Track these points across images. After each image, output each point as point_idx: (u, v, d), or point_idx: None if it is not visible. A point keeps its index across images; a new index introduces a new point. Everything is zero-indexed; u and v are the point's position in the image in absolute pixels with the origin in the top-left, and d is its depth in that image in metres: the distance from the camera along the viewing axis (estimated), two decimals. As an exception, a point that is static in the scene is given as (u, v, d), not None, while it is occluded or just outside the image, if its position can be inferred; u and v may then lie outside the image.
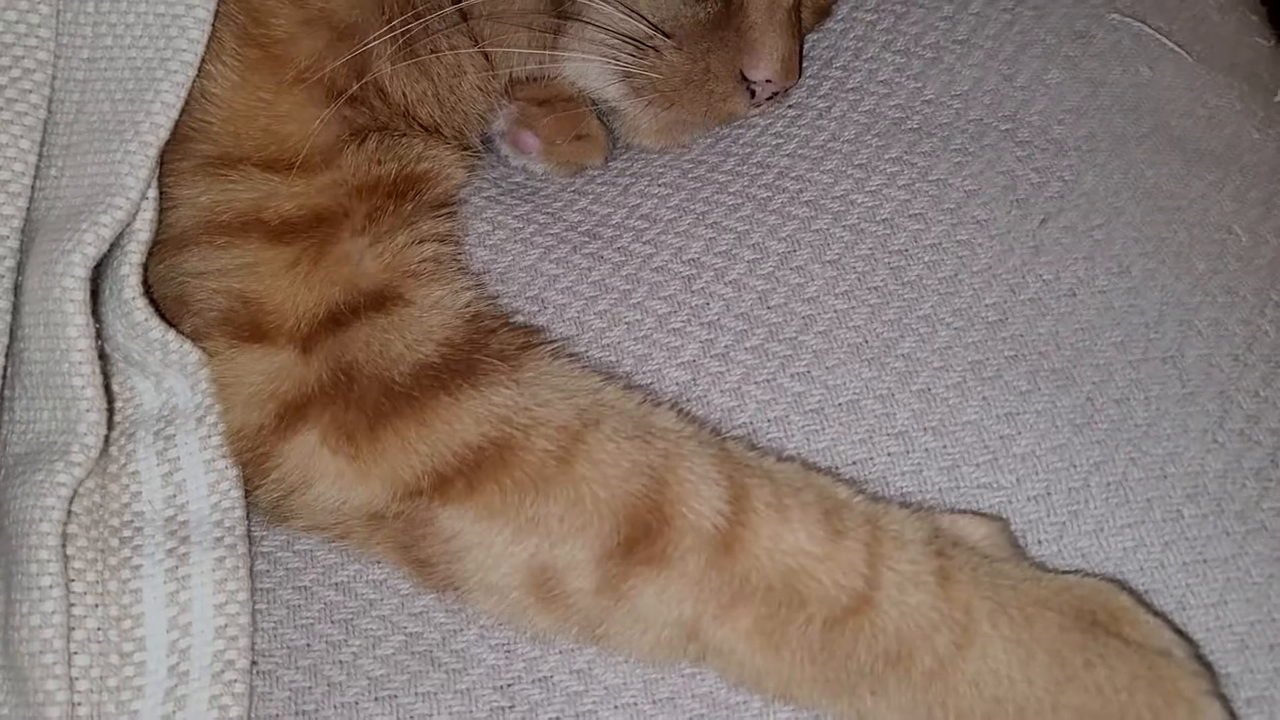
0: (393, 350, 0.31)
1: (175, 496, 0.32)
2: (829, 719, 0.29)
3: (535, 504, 0.29)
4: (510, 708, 0.30)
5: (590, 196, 0.39)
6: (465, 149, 0.37)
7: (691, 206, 0.38)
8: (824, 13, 0.41)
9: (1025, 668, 0.27)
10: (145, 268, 0.33)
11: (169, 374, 0.33)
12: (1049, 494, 0.32)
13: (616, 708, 0.30)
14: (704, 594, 0.29)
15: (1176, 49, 0.39)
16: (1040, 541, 0.31)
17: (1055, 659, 0.27)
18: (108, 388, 0.33)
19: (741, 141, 0.39)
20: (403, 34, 0.34)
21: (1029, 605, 0.27)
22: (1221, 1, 0.43)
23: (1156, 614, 0.28)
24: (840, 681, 0.28)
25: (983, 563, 0.28)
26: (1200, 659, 0.28)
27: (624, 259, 0.37)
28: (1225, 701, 0.27)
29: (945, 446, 0.33)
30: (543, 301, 0.37)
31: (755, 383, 0.34)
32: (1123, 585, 0.29)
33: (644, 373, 0.35)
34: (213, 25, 0.33)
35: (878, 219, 0.37)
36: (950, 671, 0.27)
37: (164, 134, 0.33)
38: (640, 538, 0.29)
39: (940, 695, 0.27)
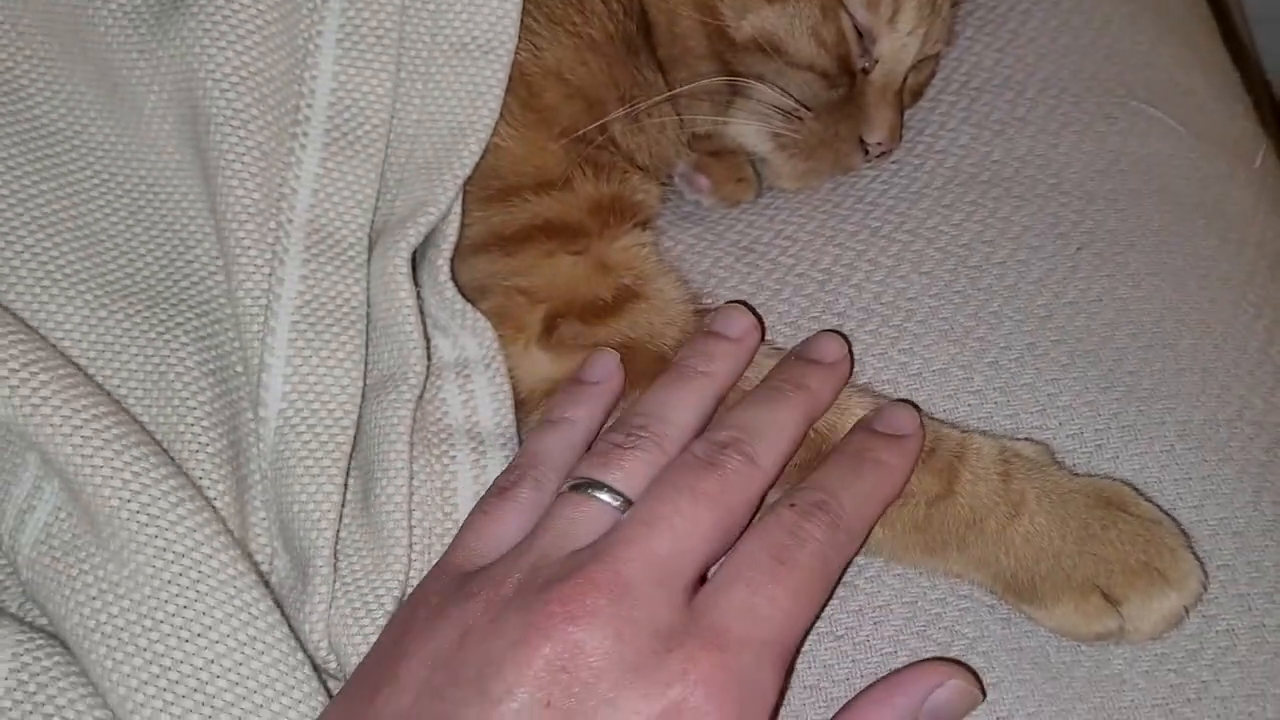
0: (655, 329, 0.46)
1: (470, 416, 0.47)
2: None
3: None
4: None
5: (745, 222, 0.54)
6: (661, 184, 0.52)
7: (821, 231, 0.52)
8: (918, 95, 0.56)
9: (1061, 529, 0.40)
10: (452, 265, 0.48)
11: (463, 335, 0.48)
12: (1081, 433, 0.46)
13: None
14: None
15: (1177, 127, 0.54)
16: (1074, 465, 0.45)
17: (1081, 524, 0.40)
18: (426, 340, 0.47)
19: (857, 186, 0.54)
20: (632, 108, 0.49)
21: (1064, 492, 0.41)
22: (1214, 91, 0.58)
23: (1150, 501, 0.42)
24: (935, 544, 0.42)
25: (1034, 466, 0.42)
26: (1181, 529, 0.41)
27: (773, 267, 0.52)
28: (1197, 556, 0.41)
29: (1009, 401, 0.47)
30: (714, 298, 0.51)
31: (872, 355, 0.49)
32: (1130, 485, 0.43)
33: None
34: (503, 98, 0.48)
35: (959, 243, 0.51)
36: (1010, 531, 0.41)
37: (468, 171, 0.48)
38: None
39: (1004, 546, 0.41)
